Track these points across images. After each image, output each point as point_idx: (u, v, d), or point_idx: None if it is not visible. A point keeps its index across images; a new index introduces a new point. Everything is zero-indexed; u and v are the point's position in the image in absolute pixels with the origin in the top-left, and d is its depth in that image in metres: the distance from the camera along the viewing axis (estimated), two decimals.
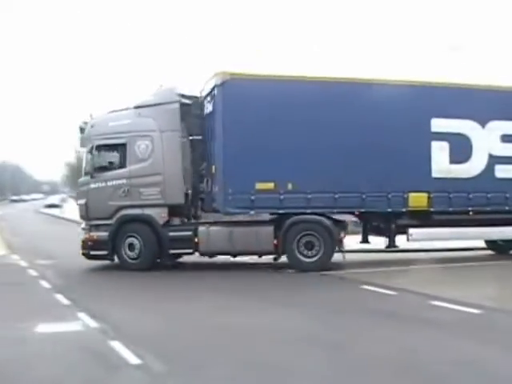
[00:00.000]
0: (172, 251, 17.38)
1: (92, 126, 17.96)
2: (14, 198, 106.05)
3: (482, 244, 20.44)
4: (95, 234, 17.55)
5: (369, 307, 11.71)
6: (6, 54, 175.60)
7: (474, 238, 19.33)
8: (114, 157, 17.72)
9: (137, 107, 17.78)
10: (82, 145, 18.80)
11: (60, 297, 12.80)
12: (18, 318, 10.65)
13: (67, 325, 10.22)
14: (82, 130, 18.36)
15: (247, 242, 16.84)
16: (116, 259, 17.64)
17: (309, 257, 16.81)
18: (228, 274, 17.12)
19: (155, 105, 17.59)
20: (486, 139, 18.03)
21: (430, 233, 17.97)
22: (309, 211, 16.89)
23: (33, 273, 16.89)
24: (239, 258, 17.94)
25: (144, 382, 7.17)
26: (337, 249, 17.18)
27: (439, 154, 17.66)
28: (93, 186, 17.67)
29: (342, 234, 17.00)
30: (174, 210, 17.57)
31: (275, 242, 16.75)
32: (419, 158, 17.53)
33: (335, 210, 17.15)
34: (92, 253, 17.66)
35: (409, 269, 17.03)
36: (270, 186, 16.67)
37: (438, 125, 17.60)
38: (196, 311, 11.48)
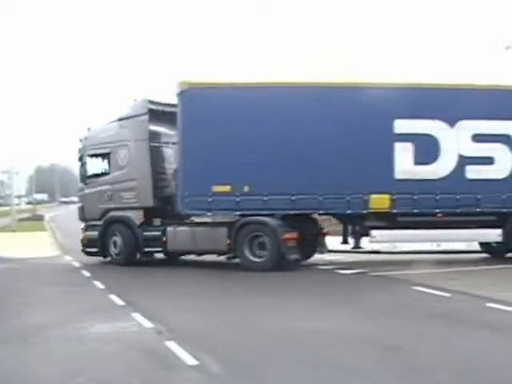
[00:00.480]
0: (146, 249, 18.90)
1: (86, 138, 20.09)
2: (64, 199, 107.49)
3: None
4: (89, 234, 19.72)
5: (424, 309, 11.55)
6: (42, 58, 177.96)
7: (441, 240, 19.16)
8: (102, 165, 19.68)
9: (119, 119, 19.44)
10: (80, 154, 20.36)
11: (114, 297, 12.94)
12: (77, 318, 10.86)
13: (123, 325, 10.32)
14: (81, 141, 20.35)
15: (206, 242, 17.83)
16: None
17: (259, 257, 17.30)
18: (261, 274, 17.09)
19: (130, 117, 19.13)
20: (455, 139, 17.55)
21: (392, 234, 17.95)
22: (265, 213, 17.32)
23: (86, 273, 17.18)
24: None
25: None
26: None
27: (403, 155, 17.40)
28: (86, 191, 20.02)
29: (288, 235, 17.07)
30: (153, 212, 18.98)
31: (228, 241, 17.47)
32: (381, 159, 17.41)
33: (292, 212, 17.45)
34: (87, 250, 19.83)
35: (457, 270, 16.75)
36: (227, 188, 17.37)
37: (402, 126, 17.38)
38: (250, 311, 11.60)
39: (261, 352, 8.42)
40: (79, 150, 20.33)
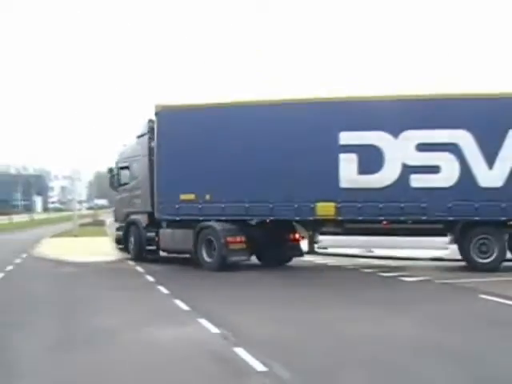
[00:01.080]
0: (148, 247, 21.78)
1: (118, 154, 24.26)
2: None
3: None
4: (118, 233, 24.14)
5: (493, 317, 11.35)
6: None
7: (386, 247, 19.74)
8: (126, 175, 23.39)
9: (137, 137, 22.73)
10: (114, 166, 24.27)
11: (179, 302, 13.06)
12: (145, 323, 11.03)
13: (190, 330, 10.43)
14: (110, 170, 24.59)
15: (180, 243, 20.63)
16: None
17: (211, 257, 19.52)
18: (320, 277, 17.31)
19: (142, 135, 22.30)
20: (399, 149, 18.03)
21: (337, 240, 19.06)
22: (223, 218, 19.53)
23: (150, 278, 17.37)
24: None
25: None
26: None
27: (347, 165, 18.31)
28: (117, 197, 24.55)
29: (231, 239, 19.09)
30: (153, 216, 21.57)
31: (192, 243, 19.95)
32: (327, 170, 18.45)
33: (247, 217, 19.78)
34: (118, 246, 24.25)
35: None
36: (191, 196, 19.85)
37: (347, 138, 18.34)
38: (317, 317, 11.55)
39: (331, 359, 8.42)
40: (115, 162, 24.18)
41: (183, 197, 19.97)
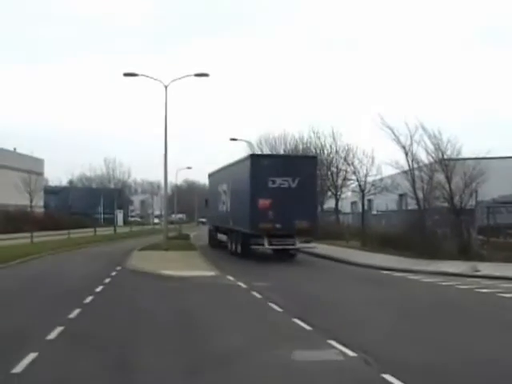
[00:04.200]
0: None
1: None
2: (202, 219, 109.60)
3: None
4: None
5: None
6: None
7: None
8: None
9: None
10: None
11: (298, 321, 12.49)
12: (271, 344, 10.47)
13: (324, 353, 9.80)
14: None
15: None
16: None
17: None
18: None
19: None
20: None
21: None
22: None
23: (257, 295, 16.77)
24: None
25: None
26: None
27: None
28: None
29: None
30: None
31: None
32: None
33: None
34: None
35: None
36: None
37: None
38: (445, 338, 10.88)
39: None
40: None
41: None
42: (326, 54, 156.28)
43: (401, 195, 48.74)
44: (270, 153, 35.97)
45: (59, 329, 11.52)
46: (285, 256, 29.97)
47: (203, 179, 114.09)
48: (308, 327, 11.90)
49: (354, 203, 63.24)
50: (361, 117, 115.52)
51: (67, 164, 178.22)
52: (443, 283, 20.15)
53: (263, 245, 28.68)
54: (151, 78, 35.08)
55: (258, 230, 28.19)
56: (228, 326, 12.49)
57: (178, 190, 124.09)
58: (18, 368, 8.57)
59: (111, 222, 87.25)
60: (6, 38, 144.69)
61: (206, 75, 34.84)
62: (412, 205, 35.44)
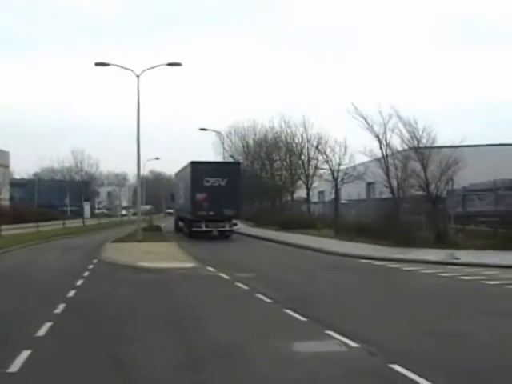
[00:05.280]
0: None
1: None
2: (170, 210, 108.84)
3: None
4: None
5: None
6: None
7: None
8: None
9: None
10: None
11: (290, 312, 12.33)
12: (268, 336, 10.28)
13: (325, 344, 9.62)
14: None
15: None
16: None
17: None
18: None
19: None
20: None
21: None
22: None
23: (242, 286, 16.53)
24: None
25: None
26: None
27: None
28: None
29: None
30: None
31: None
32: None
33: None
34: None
35: None
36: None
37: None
38: (459, 331, 10.79)
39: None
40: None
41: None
42: (298, 43, 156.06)
43: (369, 184, 48.94)
44: (205, 160, 43.86)
45: (48, 324, 11.17)
46: (222, 237, 39.68)
47: (169, 170, 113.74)
48: (302, 318, 11.73)
49: (321, 192, 63.35)
50: (332, 106, 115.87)
51: (34, 156, 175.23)
52: (425, 271, 20.18)
53: (201, 227, 38.79)
54: (122, 67, 34.60)
55: (197, 217, 38.80)
56: (221, 318, 12.22)
57: (145, 181, 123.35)
58: (14, 367, 8.25)
59: (78, 214, 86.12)
60: None
61: (178, 65, 34.53)
62: (386, 193, 35.51)
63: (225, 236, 39.64)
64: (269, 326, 11.25)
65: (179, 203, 47.73)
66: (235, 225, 40.07)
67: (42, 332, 10.64)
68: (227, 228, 39.31)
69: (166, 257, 25.74)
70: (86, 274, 20.25)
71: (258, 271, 20.26)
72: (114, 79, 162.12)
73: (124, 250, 29.76)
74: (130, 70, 34.59)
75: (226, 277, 18.69)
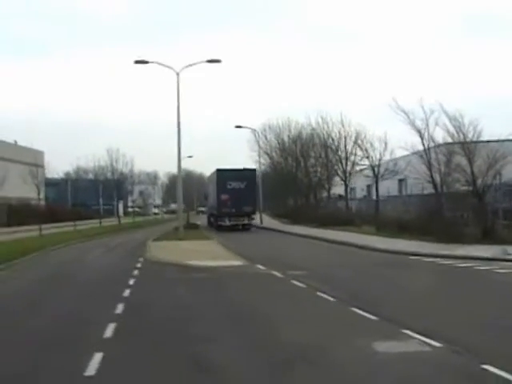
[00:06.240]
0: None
1: None
2: (202, 208, 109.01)
3: None
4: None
5: None
6: None
7: None
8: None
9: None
10: None
11: (358, 311, 12.03)
12: (345, 336, 10.08)
13: (406, 344, 9.30)
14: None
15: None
16: None
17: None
18: None
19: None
20: None
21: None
22: None
23: (299, 284, 16.26)
24: None
25: None
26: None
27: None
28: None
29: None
30: None
31: None
32: None
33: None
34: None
35: None
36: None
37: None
38: None
39: None
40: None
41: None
42: (333, 43, 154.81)
43: (400, 180, 48.40)
44: (228, 167, 51.44)
45: (112, 325, 11.01)
46: (241, 229, 48.59)
47: (200, 168, 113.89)
48: (372, 316, 11.42)
49: (352, 189, 62.77)
50: (370, 101, 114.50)
51: (68, 155, 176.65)
52: (479, 267, 19.72)
53: (226, 222, 48.51)
54: (162, 65, 34.53)
55: (221, 213, 48.85)
56: (291, 318, 11.89)
57: (176, 179, 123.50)
58: (90, 370, 8.08)
59: (111, 212, 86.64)
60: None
61: (218, 61, 34.47)
62: (428, 189, 34.99)
63: (245, 228, 48.74)
64: (341, 326, 11.02)
65: (209, 202, 58.15)
66: (253, 219, 50.02)
67: (108, 333, 10.48)
68: (246, 222, 48.88)
69: (212, 255, 25.59)
70: (136, 272, 20.19)
71: (308, 269, 19.97)
72: (146, 78, 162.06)
73: (167, 248, 29.72)
74: (170, 67, 34.52)
75: (279, 275, 18.43)
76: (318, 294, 14.47)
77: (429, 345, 9.11)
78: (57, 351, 9.41)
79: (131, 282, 17.68)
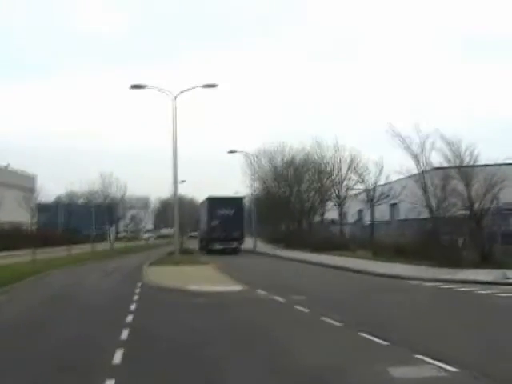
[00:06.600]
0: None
1: None
2: (193, 234, 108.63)
3: None
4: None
5: None
6: None
7: None
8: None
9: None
10: None
11: (367, 335, 11.95)
12: (358, 361, 9.95)
13: (421, 369, 9.19)
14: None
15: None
16: None
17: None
18: None
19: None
20: None
21: None
22: None
23: (302, 309, 16.16)
24: None
25: None
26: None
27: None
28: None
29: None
30: None
31: None
32: None
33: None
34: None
35: None
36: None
37: None
38: None
39: None
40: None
41: None
42: (327, 65, 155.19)
43: (392, 204, 48.50)
44: (218, 196, 57.54)
45: (120, 351, 10.83)
46: (231, 252, 51.85)
47: (191, 193, 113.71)
48: (382, 342, 11.34)
49: (344, 214, 62.69)
50: (366, 126, 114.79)
51: (62, 179, 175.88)
52: (481, 291, 19.70)
53: (216, 246, 52.50)
54: (159, 89, 34.59)
55: (212, 238, 53.40)
56: (299, 343, 11.82)
57: (167, 204, 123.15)
58: None
59: (102, 237, 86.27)
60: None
61: (214, 86, 34.56)
62: (424, 213, 35.04)
63: (235, 252, 52.38)
64: (352, 351, 10.90)
65: (201, 227, 62.59)
66: (241, 243, 54.25)
67: (117, 359, 10.32)
68: (235, 246, 52.95)
69: (210, 280, 25.50)
70: (136, 297, 20.00)
71: (309, 294, 19.92)
72: (142, 101, 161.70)
73: (165, 273, 29.54)
74: (167, 92, 34.56)
75: (281, 300, 18.34)
76: (323, 319, 14.35)
77: (445, 370, 9.03)
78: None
79: (132, 307, 17.53)
